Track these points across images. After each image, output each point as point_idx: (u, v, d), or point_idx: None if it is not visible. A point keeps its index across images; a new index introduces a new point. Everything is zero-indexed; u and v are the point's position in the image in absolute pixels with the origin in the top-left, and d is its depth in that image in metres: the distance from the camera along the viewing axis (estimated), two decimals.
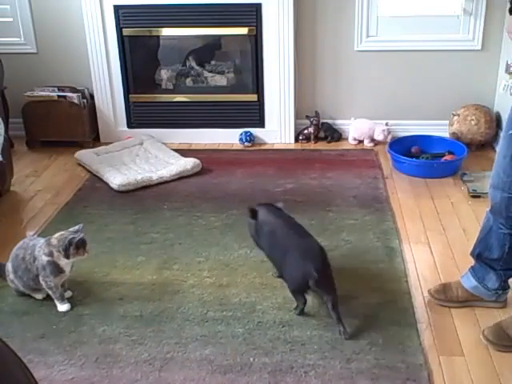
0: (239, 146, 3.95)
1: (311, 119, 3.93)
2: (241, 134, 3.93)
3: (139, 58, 3.96)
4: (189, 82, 4.12)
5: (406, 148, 3.62)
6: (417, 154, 3.59)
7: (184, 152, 3.72)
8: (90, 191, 3.34)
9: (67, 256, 2.22)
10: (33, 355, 2.04)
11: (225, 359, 2.00)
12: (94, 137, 4.03)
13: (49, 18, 3.95)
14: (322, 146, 3.95)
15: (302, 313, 2.23)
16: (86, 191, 3.34)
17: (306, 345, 2.06)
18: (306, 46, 3.87)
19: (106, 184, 3.36)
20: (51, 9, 3.92)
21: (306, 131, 3.97)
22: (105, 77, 3.90)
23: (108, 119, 4.01)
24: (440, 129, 3.85)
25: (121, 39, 3.81)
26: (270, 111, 3.93)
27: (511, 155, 1.95)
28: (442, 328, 2.15)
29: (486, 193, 2.87)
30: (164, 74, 4.08)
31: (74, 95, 3.89)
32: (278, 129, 3.96)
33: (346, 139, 4.00)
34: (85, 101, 3.94)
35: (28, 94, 3.91)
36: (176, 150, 3.74)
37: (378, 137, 3.82)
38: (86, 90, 4.01)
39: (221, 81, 4.07)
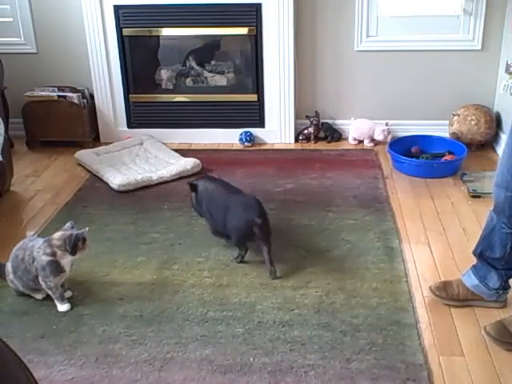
0: (239, 146, 3.95)
1: (311, 119, 3.93)
2: (241, 134, 3.93)
3: (139, 57, 3.96)
4: (189, 82, 4.12)
5: (406, 148, 3.62)
6: (417, 154, 3.59)
7: (184, 152, 3.72)
8: (90, 191, 3.34)
9: (74, 252, 2.23)
10: (33, 355, 2.04)
11: (225, 359, 2.00)
12: (93, 137, 4.03)
13: (49, 18, 3.95)
14: (322, 145, 3.95)
15: (242, 261, 2.56)
16: (85, 191, 3.34)
17: (306, 345, 2.06)
18: (305, 46, 3.87)
19: (106, 184, 3.36)
20: (51, 9, 3.92)
21: (305, 131, 3.97)
22: (105, 77, 3.90)
23: (108, 119, 4.02)
24: (440, 129, 3.85)
25: (121, 39, 3.81)
26: (270, 111, 3.93)
27: None
28: (442, 328, 2.15)
29: (486, 193, 2.88)
30: (164, 74, 4.08)
31: (74, 95, 3.89)
32: (278, 129, 3.96)
33: (346, 139, 4.00)
34: (85, 101, 3.95)
35: (28, 94, 3.91)
36: (176, 150, 3.74)
37: (378, 137, 3.82)
38: (86, 90, 4.01)
39: (221, 81, 4.07)
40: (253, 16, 3.69)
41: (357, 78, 3.93)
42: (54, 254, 2.22)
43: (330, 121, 4.02)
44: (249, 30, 3.74)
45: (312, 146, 3.94)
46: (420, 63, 3.84)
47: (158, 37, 4.02)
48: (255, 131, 3.97)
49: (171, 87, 4.09)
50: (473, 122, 3.66)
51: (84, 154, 3.70)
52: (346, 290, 2.36)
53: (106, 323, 2.20)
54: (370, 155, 3.74)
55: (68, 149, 3.84)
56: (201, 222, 2.93)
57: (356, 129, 3.91)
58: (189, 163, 3.48)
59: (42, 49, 4.04)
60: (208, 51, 4.16)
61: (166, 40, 4.08)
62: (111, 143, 3.88)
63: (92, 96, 4.01)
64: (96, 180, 3.45)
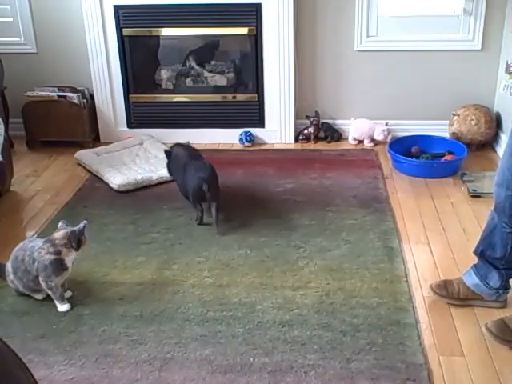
0: (239, 146, 3.95)
1: (311, 119, 3.93)
2: (241, 134, 3.93)
3: (139, 57, 3.96)
4: (189, 82, 4.11)
5: (406, 148, 3.62)
6: (417, 154, 3.59)
7: None
8: (90, 191, 3.34)
9: (78, 247, 2.25)
10: (33, 355, 2.04)
11: (225, 359, 2.00)
12: (93, 137, 4.03)
13: (49, 18, 3.95)
14: (322, 145, 3.95)
15: (201, 222, 2.89)
16: (85, 191, 3.34)
17: (306, 345, 2.06)
18: (305, 46, 3.87)
19: (106, 184, 3.36)
20: (51, 9, 3.92)
21: (306, 131, 3.97)
22: (105, 77, 3.90)
23: (108, 119, 4.01)
24: (440, 129, 3.85)
25: (121, 39, 3.81)
26: (270, 111, 3.93)
27: None
28: (442, 328, 2.15)
29: (486, 193, 2.88)
30: (164, 74, 4.08)
31: (74, 95, 3.89)
32: (278, 129, 3.96)
33: (346, 139, 4.00)
34: (85, 101, 3.94)
35: (28, 94, 3.91)
36: None
37: (378, 137, 3.82)
38: (86, 90, 4.01)
39: (221, 81, 4.07)
40: (253, 16, 3.69)
41: (357, 78, 3.93)
42: (59, 253, 2.23)
43: (330, 121, 4.02)
44: (249, 30, 3.74)
45: (312, 145, 3.94)
46: (420, 63, 3.84)
47: (158, 37, 4.02)
48: (255, 131, 3.97)
49: (171, 87, 4.09)
50: (473, 122, 3.66)
51: (84, 154, 3.70)
52: (345, 290, 2.36)
53: (105, 323, 2.20)
54: (370, 155, 3.74)
55: (68, 149, 3.84)
56: None
57: (356, 129, 3.91)
58: None
59: (42, 49, 4.04)
60: (208, 51, 4.15)
61: (165, 40, 4.08)
62: (111, 143, 3.88)
63: (92, 96, 4.01)
64: (96, 180, 3.45)
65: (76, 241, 2.25)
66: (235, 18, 3.71)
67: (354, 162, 3.64)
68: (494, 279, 2.19)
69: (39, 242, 2.29)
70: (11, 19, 3.97)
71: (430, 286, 2.31)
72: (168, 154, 3.13)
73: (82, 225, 2.28)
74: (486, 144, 3.77)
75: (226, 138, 3.99)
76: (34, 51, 4.04)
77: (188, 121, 4.00)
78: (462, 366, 1.96)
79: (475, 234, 2.31)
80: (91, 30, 3.78)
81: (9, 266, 2.33)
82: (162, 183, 3.37)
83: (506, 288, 2.21)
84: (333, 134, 3.99)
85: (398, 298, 2.29)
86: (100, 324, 2.20)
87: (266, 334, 2.11)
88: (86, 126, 3.93)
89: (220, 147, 3.95)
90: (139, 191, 3.29)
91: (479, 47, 3.74)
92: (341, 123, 4.03)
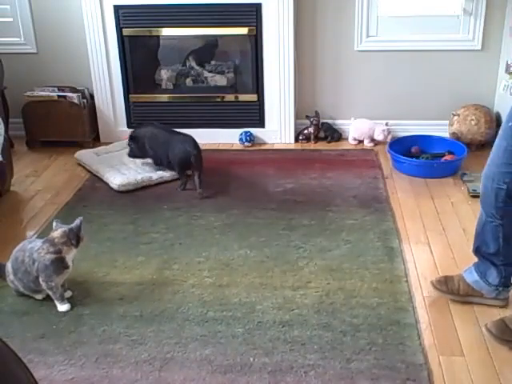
0: (239, 146, 3.95)
1: (311, 119, 3.93)
2: (241, 134, 3.93)
3: (139, 57, 3.96)
4: (189, 82, 4.12)
5: (406, 148, 3.62)
6: (417, 154, 3.59)
7: None
8: (90, 191, 3.34)
9: (77, 243, 2.27)
10: (33, 355, 2.04)
11: (225, 359, 2.00)
12: (93, 137, 4.03)
13: (49, 18, 3.95)
14: (322, 145, 3.95)
15: (184, 188, 3.27)
16: (85, 191, 3.34)
17: (306, 345, 2.06)
18: (305, 46, 3.87)
19: (106, 184, 3.36)
20: (51, 9, 3.92)
21: (306, 131, 3.97)
22: (105, 77, 3.90)
23: (108, 119, 4.02)
24: (440, 129, 3.85)
25: (121, 39, 3.81)
26: (270, 111, 3.93)
27: (505, 147, 2.02)
28: (442, 328, 2.15)
29: None
30: (164, 73, 4.08)
31: (74, 95, 3.89)
32: (278, 129, 3.96)
33: (346, 139, 4.00)
34: (85, 101, 3.95)
35: (28, 94, 3.91)
36: None
37: (378, 137, 3.82)
38: (86, 90, 4.01)
39: (221, 81, 4.07)
40: (253, 16, 3.69)
41: (357, 78, 3.93)
42: (59, 252, 2.24)
43: (330, 121, 4.02)
44: (249, 30, 3.74)
45: (312, 145, 3.94)
46: (420, 63, 3.84)
47: (158, 37, 4.02)
48: (255, 131, 3.97)
49: (171, 87, 4.09)
50: (473, 122, 3.66)
51: (84, 154, 3.70)
52: (345, 290, 2.36)
53: (105, 323, 2.20)
54: (370, 155, 3.74)
55: (68, 149, 3.84)
56: (201, 222, 2.93)
57: (356, 129, 3.91)
58: None
59: (42, 49, 4.04)
60: (208, 51, 4.16)
61: (166, 40, 4.08)
62: (111, 143, 3.89)
63: (92, 96, 4.01)
64: (96, 180, 3.45)
65: (75, 238, 2.26)
66: (235, 18, 3.71)
67: (354, 162, 3.64)
68: (493, 276, 2.20)
69: (38, 242, 2.29)
70: (11, 19, 3.97)
71: (431, 281, 2.32)
72: (133, 137, 3.42)
73: (78, 221, 2.29)
74: (485, 144, 3.76)
75: (226, 138, 3.99)
76: (34, 51, 4.04)
77: (188, 121, 4.00)
78: (462, 365, 1.96)
79: None
80: (91, 30, 3.78)
81: (9, 267, 2.33)
82: (161, 183, 3.37)
83: (505, 285, 2.22)
84: (333, 133, 3.99)
85: (398, 298, 2.29)
86: (100, 324, 2.20)
87: (265, 334, 2.11)
88: (86, 126, 3.94)
89: (220, 147, 3.95)
90: (139, 191, 3.29)
91: (479, 47, 3.74)
92: (341, 123, 4.03)
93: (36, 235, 2.81)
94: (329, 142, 3.98)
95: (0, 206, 3.19)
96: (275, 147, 3.94)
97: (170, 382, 1.92)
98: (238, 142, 3.95)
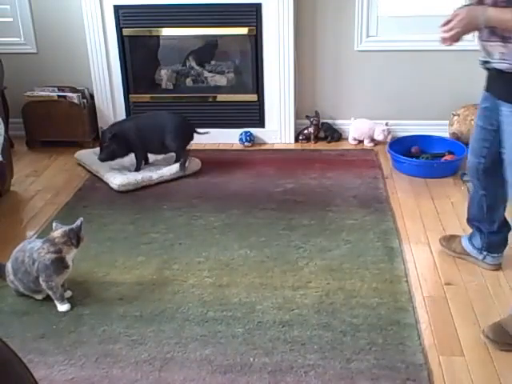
0: (239, 146, 3.95)
1: (311, 119, 3.93)
2: (241, 134, 3.93)
3: (139, 57, 3.96)
4: (189, 82, 4.12)
5: (406, 148, 3.62)
6: (417, 154, 3.59)
7: None
8: (90, 191, 3.34)
9: (78, 243, 2.27)
10: (33, 355, 2.04)
11: (225, 359, 2.00)
12: (93, 137, 4.03)
13: (49, 18, 3.95)
14: (322, 145, 3.95)
15: (184, 168, 3.39)
16: (85, 191, 3.34)
17: (306, 345, 2.06)
18: (305, 45, 3.87)
19: (106, 184, 3.36)
20: (51, 9, 3.92)
21: (306, 131, 3.97)
22: (105, 77, 3.90)
23: (108, 119, 4.01)
24: (440, 129, 3.85)
25: (121, 39, 3.81)
26: (270, 111, 3.93)
27: (481, 126, 2.23)
28: (442, 328, 2.15)
29: None
30: (164, 73, 4.08)
31: (74, 95, 3.89)
32: (278, 129, 3.96)
33: (346, 139, 4.00)
34: (85, 101, 3.95)
35: (28, 94, 3.91)
36: None
37: (378, 137, 3.82)
38: (86, 90, 4.01)
39: (221, 81, 4.07)
40: (253, 16, 3.69)
41: (357, 78, 3.93)
42: (59, 251, 2.24)
43: (330, 121, 4.02)
44: (249, 30, 3.74)
45: (312, 145, 3.94)
46: (420, 63, 3.84)
47: (158, 37, 4.02)
48: (255, 131, 3.97)
49: (171, 87, 4.09)
50: (473, 122, 3.66)
51: (84, 154, 3.70)
52: (345, 290, 2.36)
53: (105, 323, 2.20)
54: (369, 155, 3.74)
55: (68, 149, 3.84)
56: (201, 222, 2.93)
57: (356, 129, 3.91)
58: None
59: (42, 49, 4.04)
60: (208, 51, 4.16)
61: (166, 40, 4.08)
62: None
63: (92, 96, 4.01)
64: (96, 180, 3.45)
65: (75, 237, 2.26)
66: (235, 18, 3.71)
67: (354, 162, 3.64)
68: (477, 240, 2.47)
69: (38, 242, 2.29)
70: (11, 19, 3.97)
71: (439, 239, 2.64)
72: (115, 135, 3.34)
73: (78, 222, 2.29)
74: None
75: (226, 138, 3.99)
76: (34, 51, 4.04)
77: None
78: (462, 366, 1.96)
79: None
80: (91, 30, 3.78)
81: (9, 267, 2.33)
82: (161, 183, 3.37)
83: (489, 251, 2.45)
84: (333, 133, 3.99)
85: (398, 298, 2.29)
86: (100, 324, 2.20)
87: (265, 334, 2.11)
88: (86, 126, 3.94)
89: (220, 147, 3.95)
90: (139, 191, 3.29)
91: (479, 47, 3.73)
92: (341, 123, 4.03)
93: (36, 235, 2.81)
94: (329, 142, 3.98)
95: (0, 205, 3.19)
96: (275, 147, 3.94)
97: (170, 382, 1.92)
98: (238, 141, 3.95)
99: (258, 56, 3.80)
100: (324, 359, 1.99)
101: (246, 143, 3.92)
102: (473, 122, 3.65)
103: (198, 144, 3.95)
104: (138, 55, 3.95)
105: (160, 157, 3.64)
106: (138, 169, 3.43)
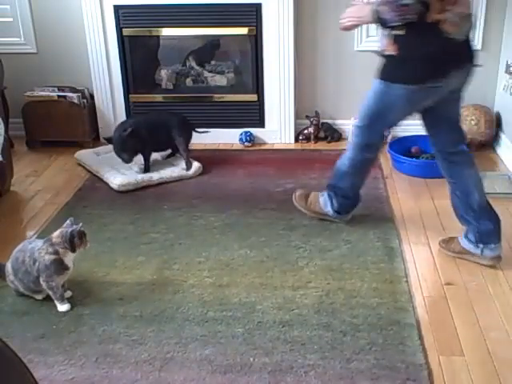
0: (239, 146, 3.95)
1: (311, 119, 3.93)
2: (241, 134, 3.93)
3: (139, 57, 3.96)
4: (189, 82, 4.12)
5: (405, 148, 3.62)
6: (417, 154, 3.59)
7: None
8: (90, 191, 3.34)
9: (73, 249, 2.23)
10: (33, 355, 2.04)
11: (225, 359, 2.00)
12: (94, 137, 4.03)
13: (49, 18, 3.95)
14: (322, 145, 3.95)
15: (191, 165, 3.45)
16: (85, 191, 3.34)
17: (306, 345, 2.06)
18: (305, 46, 3.87)
19: (106, 184, 3.36)
20: (51, 9, 3.92)
21: (306, 131, 3.97)
22: (105, 77, 3.90)
23: (108, 119, 4.02)
24: None
25: (121, 39, 3.82)
26: (270, 111, 3.93)
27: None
28: (442, 328, 2.15)
29: (486, 192, 2.88)
30: (164, 73, 4.08)
31: (74, 95, 3.89)
32: (278, 129, 3.96)
33: (346, 139, 3.99)
34: (85, 101, 3.95)
35: (28, 94, 3.91)
36: None
37: None
38: (86, 90, 4.01)
39: (221, 81, 4.07)
40: (253, 16, 3.69)
41: (357, 78, 3.93)
42: (57, 253, 2.23)
43: (330, 121, 4.02)
44: (249, 30, 3.74)
45: (312, 145, 3.94)
46: None
47: (158, 37, 4.02)
48: (255, 131, 3.97)
49: (171, 87, 4.09)
50: (473, 122, 3.66)
51: (84, 154, 3.70)
52: (345, 290, 2.36)
53: (105, 323, 2.20)
54: None
55: (68, 149, 3.84)
56: (201, 222, 2.93)
57: None
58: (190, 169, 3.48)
59: (42, 49, 4.04)
60: (208, 51, 4.16)
61: (166, 40, 4.08)
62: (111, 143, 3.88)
63: (92, 96, 4.01)
64: (96, 180, 3.45)
65: (68, 242, 2.22)
66: (235, 18, 3.71)
67: None
68: (470, 233, 2.46)
69: (39, 242, 2.29)
70: (11, 19, 3.97)
71: (439, 241, 2.64)
72: (133, 131, 3.33)
73: (75, 227, 2.24)
74: (486, 144, 3.76)
75: (226, 138, 3.99)
76: (34, 51, 4.04)
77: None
78: (462, 366, 1.96)
79: None
80: (91, 30, 3.78)
81: (9, 267, 2.33)
82: (161, 183, 3.38)
83: (483, 242, 2.43)
84: (333, 133, 3.99)
85: (397, 298, 2.29)
86: (100, 324, 2.20)
87: (265, 334, 2.11)
88: (86, 126, 3.94)
89: (220, 147, 3.95)
90: (139, 191, 3.30)
91: (479, 47, 3.74)
92: (341, 123, 4.03)
93: (36, 235, 2.81)
94: (329, 142, 3.98)
95: (0, 205, 3.19)
96: (275, 147, 3.94)
97: (170, 382, 1.92)
98: (238, 142, 3.96)
99: (258, 56, 3.80)
100: (324, 359, 1.99)
101: (246, 143, 3.92)
102: (473, 122, 3.66)
103: (198, 144, 3.96)
104: (138, 55, 3.95)
105: (160, 157, 3.65)
106: (147, 169, 3.43)
